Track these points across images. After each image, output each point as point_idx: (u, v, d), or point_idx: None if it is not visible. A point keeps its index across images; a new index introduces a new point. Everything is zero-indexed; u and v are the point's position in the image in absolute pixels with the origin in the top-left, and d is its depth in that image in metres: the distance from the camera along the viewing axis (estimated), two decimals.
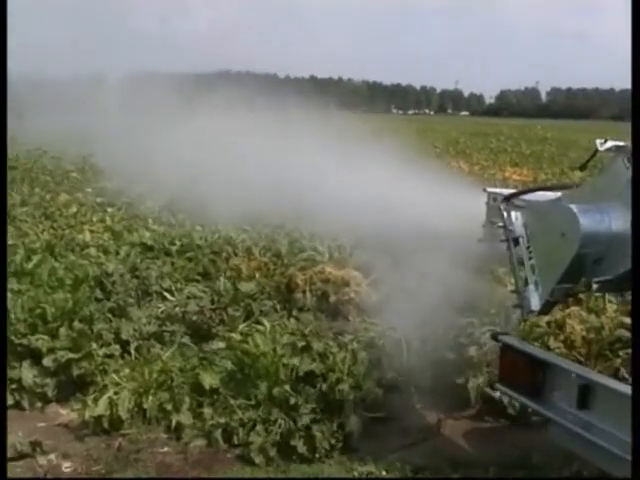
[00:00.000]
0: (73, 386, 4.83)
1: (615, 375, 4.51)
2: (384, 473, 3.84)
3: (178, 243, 8.10)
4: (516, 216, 3.71)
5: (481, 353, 4.91)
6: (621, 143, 3.23)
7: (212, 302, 5.86)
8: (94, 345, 4.88)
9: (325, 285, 6.71)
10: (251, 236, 8.69)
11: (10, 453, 4.02)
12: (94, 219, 9.54)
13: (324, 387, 4.40)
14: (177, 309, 5.83)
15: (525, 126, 53.75)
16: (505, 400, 4.66)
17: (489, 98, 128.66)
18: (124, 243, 7.86)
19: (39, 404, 4.72)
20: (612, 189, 3.26)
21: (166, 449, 4.23)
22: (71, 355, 4.74)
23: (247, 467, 4.04)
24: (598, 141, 3.28)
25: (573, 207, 3.25)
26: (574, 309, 5.57)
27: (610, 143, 3.25)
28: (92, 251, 7.50)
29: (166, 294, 6.35)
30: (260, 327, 5.43)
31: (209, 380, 4.54)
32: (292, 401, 4.29)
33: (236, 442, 4.24)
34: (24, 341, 4.81)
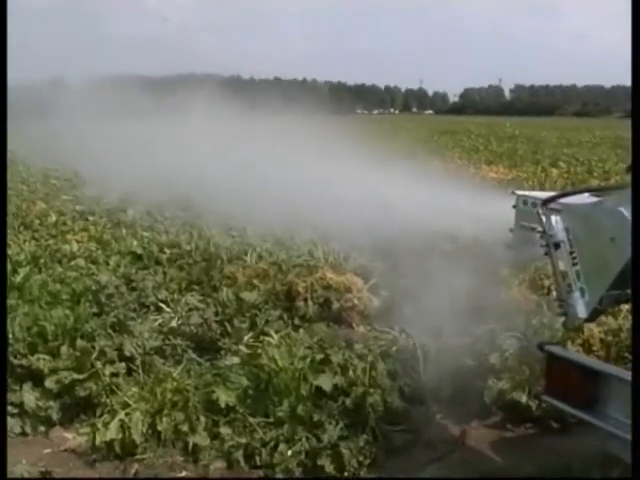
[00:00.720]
0: (77, 408, 4.58)
1: None
2: None
3: (168, 251, 7.85)
4: (556, 220, 3.54)
5: (503, 360, 4.76)
6: None
7: (216, 313, 5.61)
8: (98, 364, 4.62)
9: (327, 292, 6.52)
10: (237, 241, 8.49)
11: None
12: (76, 228, 9.23)
13: (348, 402, 4.20)
14: (179, 322, 5.58)
15: (492, 124, 54.09)
16: (533, 405, 4.54)
17: (453, 96, 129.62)
18: (113, 252, 7.58)
19: (42, 428, 4.45)
20: None
21: (185, 473, 4.00)
22: (75, 376, 4.48)
23: None
24: None
25: (624, 210, 3.09)
26: None
27: None
28: (80, 262, 7.21)
29: (163, 306, 6.11)
30: (269, 339, 5.24)
31: (224, 398, 4.31)
32: (316, 418, 4.08)
33: (258, 463, 4.02)
34: (24, 362, 4.53)
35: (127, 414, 4.16)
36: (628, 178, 3.07)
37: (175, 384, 4.30)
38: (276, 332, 5.49)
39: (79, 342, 4.68)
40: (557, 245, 3.50)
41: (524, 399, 4.59)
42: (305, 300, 6.44)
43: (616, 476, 3.76)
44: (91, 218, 9.85)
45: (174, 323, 5.60)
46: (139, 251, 7.76)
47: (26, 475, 3.80)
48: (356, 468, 3.94)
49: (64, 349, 4.68)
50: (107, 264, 7.21)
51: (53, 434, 4.46)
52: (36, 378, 4.55)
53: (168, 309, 6.07)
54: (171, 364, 5.03)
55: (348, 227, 7.72)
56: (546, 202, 3.62)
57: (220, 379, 4.51)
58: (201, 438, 4.15)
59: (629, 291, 3.24)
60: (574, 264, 3.40)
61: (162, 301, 6.20)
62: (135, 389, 4.39)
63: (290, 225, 8.96)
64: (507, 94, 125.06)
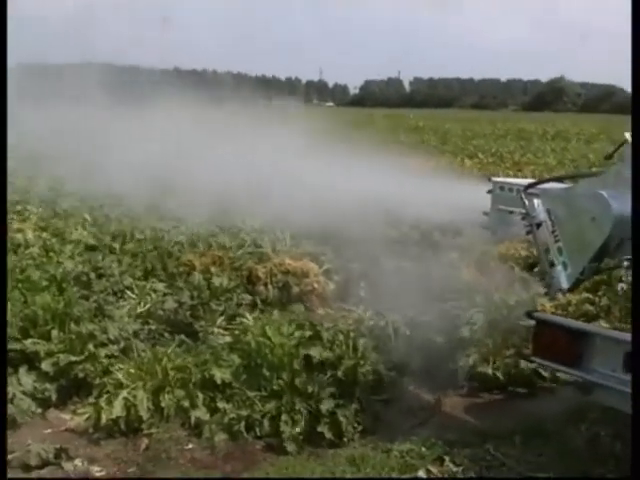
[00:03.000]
0: (71, 390, 4.70)
1: None
2: (424, 449, 3.99)
3: (120, 240, 7.92)
4: (537, 203, 3.97)
5: (472, 332, 5.19)
6: None
7: (191, 297, 5.79)
8: (90, 346, 4.75)
9: (285, 277, 6.79)
10: (182, 230, 8.62)
11: (34, 461, 3.91)
12: (15, 218, 9.10)
13: (339, 373, 4.51)
14: (156, 306, 5.74)
15: (395, 115, 55.22)
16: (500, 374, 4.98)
17: (353, 89, 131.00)
18: (67, 242, 7.58)
19: (39, 410, 4.54)
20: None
21: (191, 446, 4.21)
22: (72, 358, 4.60)
23: (280, 456, 4.08)
24: (628, 133, 3.57)
25: (604, 193, 3.54)
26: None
27: None
28: (35, 250, 7.20)
29: (129, 292, 6.22)
30: (245, 320, 5.50)
31: (220, 375, 4.53)
32: (311, 389, 4.37)
33: (259, 434, 4.27)
34: (18, 346, 4.61)
35: (130, 392, 4.32)
36: (605, 165, 3.52)
37: (176, 362, 4.49)
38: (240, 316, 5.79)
39: (72, 326, 4.78)
40: (539, 225, 3.94)
41: (490, 370, 5.02)
42: (265, 285, 6.70)
43: (585, 429, 4.24)
44: (29, 207, 9.70)
45: (150, 307, 5.73)
46: (91, 240, 7.78)
47: (43, 453, 3.91)
48: (352, 434, 4.26)
49: (55, 333, 4.78)
50: (62, 253, 7.21)
51: (50, 415, 4.54)
52: (30, 362, 4.63)
53: (133, 295, 6.20)
54: (150, 346, 5.20)
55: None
56: (527, 187, 4.06)
57: (212, 358, 4.72)
58: (202, 413, 4.36)
59: (606, 262, 3.73)
60: (556, 241, 3.83)
61: (128, 288, 6.30)
62: (132, 369, 4.54)
63: (231, 214, 9.21)
64: (407, 87, 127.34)
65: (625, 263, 3.70)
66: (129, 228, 8.55)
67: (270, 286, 6.69)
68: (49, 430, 4.39)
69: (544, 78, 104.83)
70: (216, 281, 6.04)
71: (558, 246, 3.83)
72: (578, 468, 3.82)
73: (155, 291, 6.26)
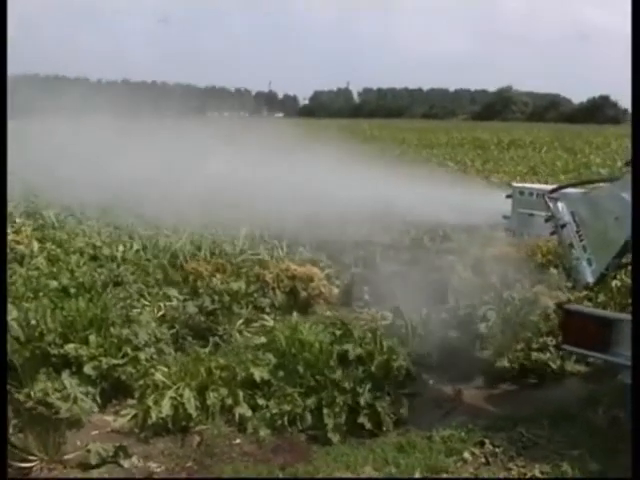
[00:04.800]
0: (111, 393, 4.85)
1: None
2: (463, 434, 4.28)
3: (121, 249, 8.05)
4: (562, 206, 4.33)
5: (489, 328, 5.51)
6: None
7: (212, 302, 5.99)
8: (128, 350, 4.92)
9: (292, 282, 7.03)
10: (173, 240, 8.74)
11: (94, 460, 4.07)
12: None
13: (372, 368, 4.77)
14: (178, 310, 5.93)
15: (348, 126, 55.68)
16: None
17: (303, 99, 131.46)
18: (70, 252, 7.69)
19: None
20: None
21: (239, 440, 4.40)
22: (114, 361, 4.76)
23: (326, 446, 4.31)
24: None
25: (626, 195, 3.91)
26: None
27: None
28: (40, 261, 7.29)
29: (146, 299, 6.38)
30: (266, 323, 5.73)
31: (258, 373, 4.75)
32: (348, 384, 4.62)
33: (300, 427, 4.50)
34: (61, 351, 4.76)
35: (175, 391, 4.51)
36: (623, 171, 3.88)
37: (219, 362, 4.69)
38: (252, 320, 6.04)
39: (111, 330, 4.94)
40: (563, 226, 4.28)
41: (506, 362, 5.34)
42: (273, 290, 6.93)
43: (602, 411, 4.58)
44: (18, 220, 9.72)
45: (173, 313, 5.91)
46: (90, 250, 7.90)
47: (102, 452, 4.06)
48: (390, 424, 4.52)
49: (92, 338, 4.93)
50: (68, 263, 7.31)
51: (93, 418, 4.68)
52: (71, 366, 4.77)
53: (148, 302, 6.36)
54: (174, 350, 5.39)
55: None
56: (552, 192, 4.42)
57: (249, 357, 4.93)
58: (244, 409, 4.57)
59: (628, 257, 4.09)
60: (581, 240, 4.18)
61: (143, 295, 6.46)
62: (173, 370, 4.72)
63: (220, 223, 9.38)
64: (356, 97, 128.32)
65: None
66: (124, 238, 8.66)
67: (278, 291, 6.92)
68: (95, 432, 4.53)
69: (490, 88, 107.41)
70: (234, 286, 6.22)
71: (583, 244, 4.18)
72: (605, 445, 4.14)
73: (170, 298, 6.44)
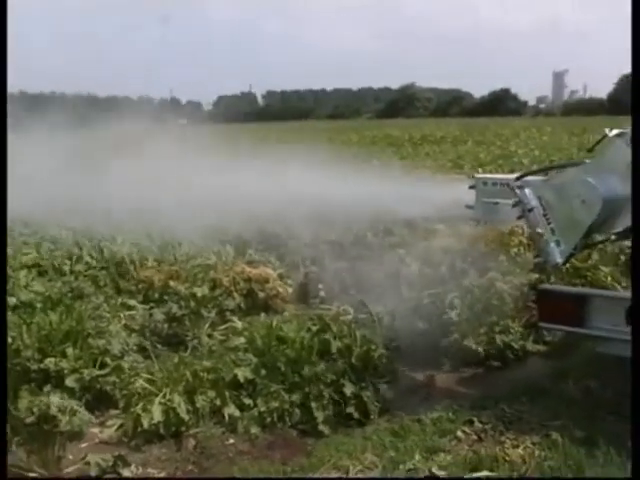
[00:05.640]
0: (93, 404, 4.81)
1: None
2: (451, 415, 4.48)
3: (68, 262, 7.91)
4: (528, 192, 4.57)
5: (457, 315, 5.74)
6: (623, 130, 4.20)
7: (180, 307, 6.00)
8: (107, 360, 4.90)
9: (249, 284, 7.10)
10: (122, 249, 8.65)
11: (95, 471, 4.05)
12: None
13: (353, 360, 4.91)
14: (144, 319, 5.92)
15: (257, 130, 55.68)
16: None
17: (207, 105, 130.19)
18: (17, 267, 7.50)
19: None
20: (613, 165, 4.24)
21: (232, 440, 4.46)
22: (97, 372, 4.73)
23: (322, 438, 4.42)
24: (607, 129, 4.24)
25: (591, 179, 4.20)
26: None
27: (616, 130, 4.23)
28: None
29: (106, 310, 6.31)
30: (236, 325, 5.80)
31: (241, 373, 4.81)
32: (331, 377, 4.74)
33: (289, 423, 4.60)
34: (40, 365, 4.69)
35: (163, 397, 4.53)
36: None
37: (205, 364, 4.73)
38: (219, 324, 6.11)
39: (90, 341, 4.90)
40: (530, 210, 4.53)
41: (473, 346, 5.58)
42: (230, 293, 6.98)
43: (572, 384, 4.86)
44: None
45: (141, 321, 5.90)
46: (37, 266, 7.73)
47: (102, 463, 4.04)
48: (376, 413, 4.68)
49: (70, 350, 4.88)
50: (17, 278, 7.14)
51: None
52: (52, 379, 4.71)
53: (108, 313, 6.29)
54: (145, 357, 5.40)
55: None
56: (517, 179, 4.67)
57: (231, 358, 4.99)
58: (233, 410, 4.63)
59: (597, 237, 4.38)
60: (549, 223, 4.44)
61: (102, 306, 6.39)
62: (159, 375, 4.73)
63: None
64: (260, 100, 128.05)
65: (613, 237, 4.39)
66: (64, 251, 8.50)
67: (235, 293, 6.97)
68: (85, 444, 4.49)
69: (393, 85, 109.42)
70: (198, 291, 6.24)
71: (551, 227, 4.44)
72: (584, 414, 4.41)
73: (129, 307, 6.41)
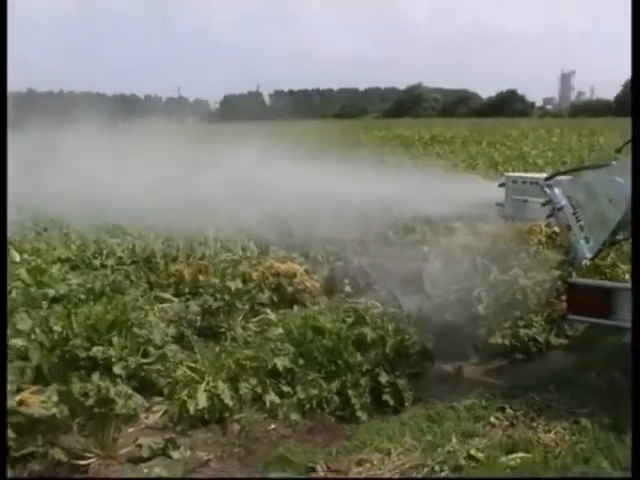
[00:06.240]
0: (138, 392, 5.01)
1: None
2: (484, 402, 4.69)
3: (98, 257, 8.15)
4: (558, 191, 4.79)
5: (484, 309, 5.94)
6: None
7: (215, 300, 6.21)
8: (151, 349, 5.12)
9: (277, 278, 7.31)
10: (149, 243, 8.88)
11: (146, 453, 4.25)
12: None
13: (387, 350, 5.12)
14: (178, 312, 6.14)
15: (267, 129, 55.78)
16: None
17: (214, 104, 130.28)
18: (50, 261, 7.74)
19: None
20: None
21: (273, 426, 4.67)
22: (143, 360, 4.95)
23: (352, 424, 4.64)
24: None
25: (620, 179, 4.41)
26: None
27: None
28: (22, 273, 7.31)
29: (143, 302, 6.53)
30: (269, 317, 6.01)
31: (280, 362, 5.03)
32: (367, 366, 4.96)
33: (327, 409, 4.81)
34: (89, 353, 4.91)
35: (208, 384, 4.74)
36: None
37: (247, 353, 4.95)
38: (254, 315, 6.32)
39: (135, 331, 5.12)
40: (560, 209, 4.75)
41: (500, 339, 5.79)
42: (260, 286, 7.19)
43: (596, 375, 5.06)
44: None
45: (173, 313, 6.12)
46: (72, 258, 7.97)
47: (153, 445, 4.26)
48: (410, 400, 4.88)
49: (116, 339, 5.09)
50: (48, 272, 7.36)
51: None
52: (100, 367, 4.92)
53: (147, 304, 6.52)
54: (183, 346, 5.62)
55: None
56: (547, 179, 4.89)
57: (269, 348, 5.21)
58: (273, 397, 4.84)
59: (621, 234, 4.59)
60: (578, 221, 4.65)
61: (138, 298, 6.62)
62: (199, 365, 4.95)
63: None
64: (267, 100, 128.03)
65: None
66: (93, 245, 8.74)
67: (265, 288, 7.18)
68: (132, 429, 4.69)
69: (400, 85, 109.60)
70: (232, 285, 6.45)
71: (580, 225, 4.66)
72: (609, 402, 4.61)
73: (163, 300, 6.64)
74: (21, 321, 5.37)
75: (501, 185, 5.47)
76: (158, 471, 4.09)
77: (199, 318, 6.18)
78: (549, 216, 4.89)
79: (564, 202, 4.74)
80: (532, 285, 6.44)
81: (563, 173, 5.22)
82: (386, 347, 5.16)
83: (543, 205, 4.86)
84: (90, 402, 4.04)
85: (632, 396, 3.51)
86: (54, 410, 4.15)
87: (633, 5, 4.09)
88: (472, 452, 4.04)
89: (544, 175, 5.09)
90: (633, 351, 3.68)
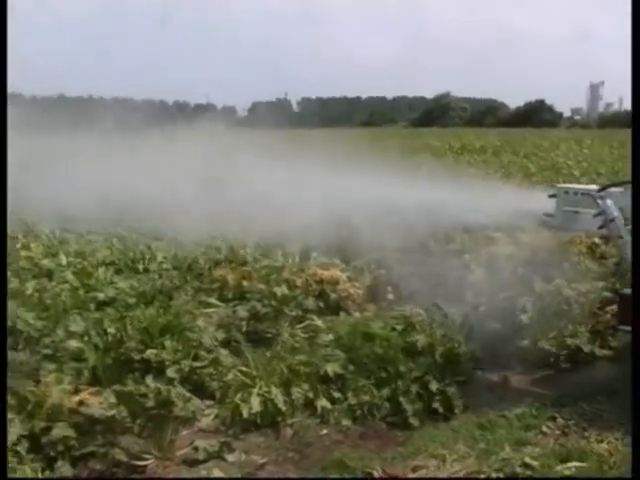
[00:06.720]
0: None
1: None
2: (534, 411, 4.71)
3: (141, 261, 8.27)
4: (610, 203, 4.82)
5: (530, 318, 5.96)
6: None
7: (263, 305, 6.29)
8: (203, 353, 5.20)
9: (320, 285, 7.37)
10: (190, 249, 8.97)
11: (202, 456, 4.32)
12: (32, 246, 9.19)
13: (437, 357, 5.16)
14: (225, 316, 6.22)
15: (296, 136, 56.04)
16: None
17: (242, 111, 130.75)
18: (95, 264, 7.87)
19: None
20: None
21: (325, 431, 4.72)
22: (196, 364, 5.04)
23: (403, 431, 4.68)
24: None
25: None
26: None
27: None
28: (68, 275, 7.44)
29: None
30: (316, 323, 6.08)
31: (331, 368, 5.09)
32: (417, 373, 5.00)
33: (378, 416, 4.85)
34: (143, 356, 5.00)
35: (261, 388, 4.81)
36: None
37: (299, 358, 5.01)
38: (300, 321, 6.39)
39: (187, 334, 5.21)
40: (612, 220, 4.78)
41: (546, 348, 5.80)
42: (307, 293, 7.24)
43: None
44: (23, 239, 9.77)
45: (217, 318, 6.22)
46: (116, 261, 8.10)
47: (209, 448, 4.33)
48: (461, 408, 4.92)
49: (168, 343, 5.18)
50: (93, 275, 7.49)
51: None
52: (153, 369, 5.01)
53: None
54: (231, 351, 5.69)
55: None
56: (600, 191, 4.92)
57: (320, 354, 5.27)
58: (324, 402, 4.90)
59: None
60: (629, 232, 4.67)
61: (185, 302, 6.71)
62: (251, 369, 5.02)
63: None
64: (295, 107, 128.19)
65: None
66: (134, 250, 8.86)
67: (309, 294, 7.24)
68: (185, 431, 4.77)
69: (427, 94, 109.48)
70: (278, 291, 6.53)
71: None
72: None
73: (209, 304, 6.73)
74: (74, 323, 5.49)
75: (551, 196, 5.50)
76: (217, 473, 4.14)
77: (244, 323, 6.24)
78: (601, 227, 4.92)
79: (616, 213, 4.77)
80: (576, 296, 6.44)
81: (616, 185, 5.24)
82: (435, 354, 5.20)
83: (595, 216, 4.89)
84: (150, 404, 4.10)
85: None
86: (113, 411, 4.25)
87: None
88: (527, 460, 4.06)
89: (596, 187, 5.12)
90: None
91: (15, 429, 4.06)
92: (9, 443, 3.94)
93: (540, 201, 5.84)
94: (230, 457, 4.38)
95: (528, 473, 3.98)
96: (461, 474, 3.97)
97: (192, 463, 4.33)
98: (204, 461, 4.32)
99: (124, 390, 4.24)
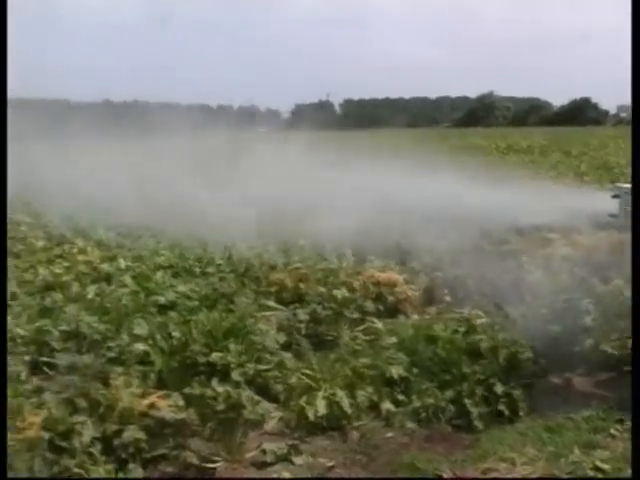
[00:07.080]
0: None
1: None
2: (601, 414, 4.66)
3: (198, 265, 8.37)
4: None
5: (592, 320, 5.89)
6: None
7: (324, 308, 6.33)
8: (267, 356, 5.25)
9: (378, 287, 7.38)
10: (242, 252, 9.04)
11: (270, 459, 4.37)
12: (75, 251, 9.39)
13: (501, 360, 5.14)
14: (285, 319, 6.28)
15: (341, 138, 56.09)
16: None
17: (285, 113, 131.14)
18: (153, 268, 8.00)
19: None
20: None
21: (390, 434, 4.73)
22: (262, 367, 5.09)
23: (469, 434, 4.67)
24: None
25: None
26: None
27: None
28: (127, 279, 7.56)
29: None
30: (376, 325, 6.09)
31: (395, 371, 5.10)
32: (481, 376, 4.98)
33: (443, 419, 4.84)
34: (209, 359, 5.07)
35: (325, 391, 4.84)
36: None
37: (363, 361, 5.04)
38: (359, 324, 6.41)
39: (251, 337, 5.28)
40: None
41: (609, 350, 5.72)
42: (365, 295, 7.26)
43: None
44: (80, 244, 9.97)
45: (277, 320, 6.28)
46: (174, 265, 8.22)
47: (277, 451, 4.37)
48: (526, 411, 4.89)
49: (233, 346, 5.25)
50: (152, 279, 7.61)
51: None
52: (218, 372, 5.08)
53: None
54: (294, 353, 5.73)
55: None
56: None
57: (383, 356, 5.29)
58: (389, 405, 4.91)
59: None
60: None
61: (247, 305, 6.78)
62: (315, 372, 5.06)
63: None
64: (337, 108, 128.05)
65: None
66: (190, 254, 8.98)
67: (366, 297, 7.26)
68: (252, 434, 4.82)
69: (470, 94, 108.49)
70: (338, 294, 6.56)
71: None
72: None
73: (268, 307, 6.79)
74: (139, 326, 5.60)
75: (614, 197, 5.43)
76: (286, 476, 4.18)
77: (303, 326, 6.28)
78: None
79: None
80: None
81: None
82: (499, 357, 5.17)
83: None
84: (220, 407, 4.17)
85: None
86: (184, 414, 4.33)
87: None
88: (597, 463, 4.02)
89: None
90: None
91: (88, 431, 4.15)
92: (82, 445, 4.05)
93: (603, 202, 5.78)
94: (298, 460, 4.41)
95: (600, 476, 3.94)
96: (533, 476, 3.96)
97: (260, 466, 4.38)
98: (272, 464, 4.37)
99: (194, 393, 4.30)
